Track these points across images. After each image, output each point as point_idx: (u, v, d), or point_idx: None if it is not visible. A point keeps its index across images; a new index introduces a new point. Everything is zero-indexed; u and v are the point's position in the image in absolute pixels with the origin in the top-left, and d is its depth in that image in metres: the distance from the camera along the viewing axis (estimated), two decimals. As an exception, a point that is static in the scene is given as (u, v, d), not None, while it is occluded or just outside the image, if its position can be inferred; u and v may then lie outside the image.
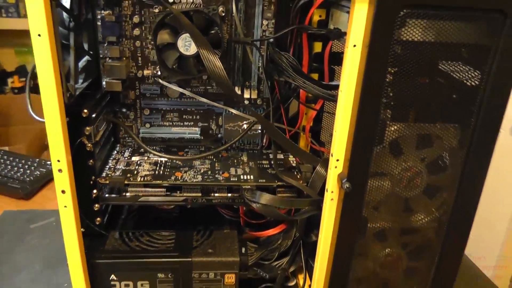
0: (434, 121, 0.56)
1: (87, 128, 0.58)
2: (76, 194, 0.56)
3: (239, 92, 0.70)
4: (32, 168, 1.05)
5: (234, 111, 0.67)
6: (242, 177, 0.65)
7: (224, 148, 0.71)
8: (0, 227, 0.92)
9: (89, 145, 0.58)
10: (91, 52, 0.63)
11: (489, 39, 0.52)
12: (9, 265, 0.81)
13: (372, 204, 0.58)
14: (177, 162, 0.68)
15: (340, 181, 0.55)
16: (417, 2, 0.49)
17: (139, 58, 0.68)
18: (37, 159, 1.09)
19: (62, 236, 0.88)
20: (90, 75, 0.63)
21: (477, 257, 0.90)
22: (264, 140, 0.74)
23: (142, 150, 0.71)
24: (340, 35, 0.61)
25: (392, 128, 0.55)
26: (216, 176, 0.65)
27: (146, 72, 0.68)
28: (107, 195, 0.63)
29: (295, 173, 0.67)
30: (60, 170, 0.53)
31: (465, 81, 0.54)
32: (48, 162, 1.08)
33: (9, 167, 1.04)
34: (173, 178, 0.63)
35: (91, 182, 0.61)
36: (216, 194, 0.64)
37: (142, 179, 0.63)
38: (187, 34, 0.59)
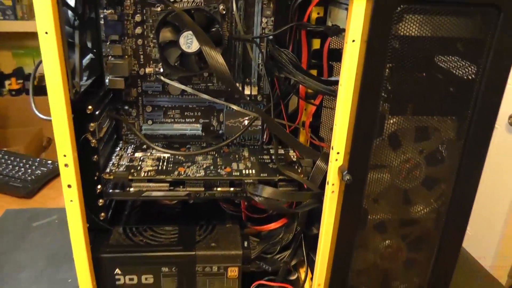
0: (432, 114, 0.57)
1: (92, 124, 0.59)
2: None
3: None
4: (33, 167, 1.06)
5: (235, 107, 0.68)
6: (244, 171, 0.66)
7: (226, 144, 0.72)
8: (2, 225, 0.92)
9: (93, 141, 0.59)
10: (94, 50, 0.64)
11: (484, 33, 0.53)
12: (12, 263, 0.81)
13: (372, 196, 0.59)
14: (179, 157, 0.69)
15: (341, 174, 0.56)
16: (413, -2, 0.50)
17: (141, 56, 0.69)
18: (38, 159, 1.10)
19: (65, 234, 0.89)
20: (93, 72, 0.64)
21: (477, 257, 0.91)
22: (265, 136, 0.76)
23: (144, 146, 0.72)
24: (339, 31, 0.63)
25: (391, 121, 0.56)
26: (219, 171, 0.66)
27: (148, 70, 0.70)
28: (111, 191, 0.64)
29: (296, 167, 0.69)
30: (66, 165, 0.54)
31: (461, 75, 0.56)
32: (49, 162, 1.09)
33: (10, 166, 1.05)
34: (176, 173, 0.65)
35: (95, 178, 0.62)
36: (219, 189, 0.65)
37: (145, 174, 0.64)
38: (189, 32, 0.60)
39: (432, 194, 0.61)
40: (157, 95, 0.71)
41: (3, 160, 1.07)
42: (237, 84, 0.71)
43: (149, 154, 0.70)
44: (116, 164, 0.66)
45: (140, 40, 0.68)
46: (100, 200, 0.64)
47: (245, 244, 0.69)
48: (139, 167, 0.65)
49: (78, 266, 0.61)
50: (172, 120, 0.73)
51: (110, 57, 0.67)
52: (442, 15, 0.52)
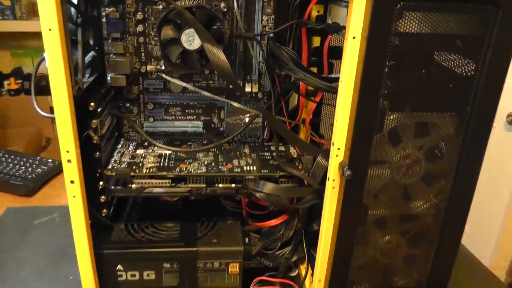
0: (431, 110, 0.58)
1: (94, 121, 0.59)
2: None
3: (240, 87, 0.72)
4: (34, 166, 1.06)
5: (236, 104, 0.68)
6: (245, 168, 0.67)
7: (227, 140, 0.73)
8: (3, 223, 0.93)
9: (95, 137, 0.60)
10: (96, 48, 0.65)
11: (482, 30, 0.54)
12: (14, 260, 0.82)
13: (373, 192, 0.60)
14: (181, 154, 0.69)
15: (342, 169, 0.56)
16: (413, -5, 0.51)
17: (143, 54, 0.69)
18: (38, 157, 1.10)
19: (66, 232, 0.89)
20: (95, 70, 0.64)
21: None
22: (265, 133, 0.76)
23: (146, 143, 0.72)
24: (339, 29, 0.63)
25: (391, 117, 0.56)
26: (220, 167, 0.66)
27: (149, 67, 0.70)
28: (113, 187, 0.64)
29: (297, 164, 0.69)
30: (69, 161, 0.54)
31: (460, 71, 0.56)
32: (49, 160, 1.09)
33: (11, 165, 1.06)
34: (177, 169, 0.65)
35: (97, 175, 0.63)
36: (220, 185, 0.66)
37: (147, 171, 0.64)
38: (191, 30, 0.61)
39: (431, 190, 0.61)
40: (158, 92, 0.72)
41: (3, 158, 1.08)
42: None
43: (150, 151, 0.70)
44: (118, 161, 0.66)
45: (141, 38, 0.68)
46: (102, 197, 0.64)
47: (246, 240, 0.69)
48: (140, 164, 0.66)
49: (80, 262, 0.62)
50: (173, 117, 0.74)
51: (111, 54, 0.68)
52: (441, 12, 0.53)
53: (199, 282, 0.68)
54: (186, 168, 0.66)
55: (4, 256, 0.82)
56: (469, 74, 0.56)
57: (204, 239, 0.68)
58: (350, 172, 0.55)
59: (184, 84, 0.69)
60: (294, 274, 0.76)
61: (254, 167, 0.67)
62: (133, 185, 0.64)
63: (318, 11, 0.71)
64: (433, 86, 0.56)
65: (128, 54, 0.68)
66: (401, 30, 0.53)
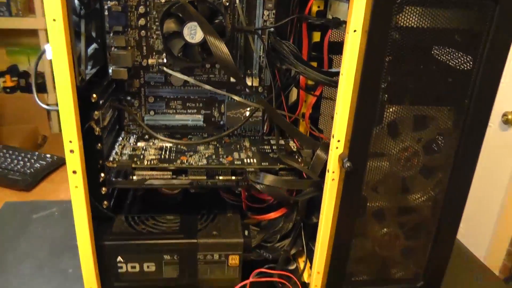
0: (430, 103, 0.58)
1: (96, 112, 0.59)
2: (85, 176, 0.58)
3: (241, 81, 0.73)
4: (32, 161, 1.06)
5: (237, 98, 0.69)
6: (245, 160, 0.67)
7: (228, 133, 0.74)
8: (2, 218, 0.93)
9: (97, 129, 0.60)
10: (99, 41, 0.65)
11: (481, 26, 0.55)
12: (14, 254, 0.82)
13: (371, 184, 0.61)
14: (181, 147, 0.70)
15: (341, 161, 0.57)
16: (413, -11, 0.52)
17: (144, 48, 0.70)
18: (36, 153, 1.10)
19: (65, 226, 0.90)
20: (97, 62, 0.65)
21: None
22: (265, 127, 0.77)
23: (147, 136, 0.73)
24: (339, 23, 0.64)
25: (390, 110, 0.57)
26: (220, 159, 0.67)
27: (150, 61, 0.71)
28: (114, 179, 0.65)
29: (296, 157, 0.70)
30: (71, 151, 0.55)
31: (458, 66, 0.57)
32: (48, 155, 1.09)
33: (9, 160, 1.06)
34: (178, 162, 0.66)
35: (99, 166, 0.63)
36: (221, 177, 0.66)
37: (148, 163, 0.65)
38: (193, 23, 0.62)
39: (429, 182, 0.62)
40: (160, 86, 0.72)
41: (2, 153, 1.08)
42: (239, 76, 0.72)
43: (151, 143, 0.71)
44: (119, 153, 0.67)
45: (143, 31, 0.69)
46: (103, 188, 0.64)
47: (246, 233, 0.70)
48: (142, 156, 0.66)
49: (82, 252, 0.62)
50: (174, 111, 0.74)
51: (113, 48, 0.68)
52: (440, 7, 0.54)
53: (199, 274, 0.69)
54: (187, 160, 0.66)
55: (3, 250, 0.82)
56: (467, 68, 0.57)
57: (204, 231, 0.69)
58: (350, 164, 0.56)
59: (185, 78, 0.69)
60: (292, 267, 0.77)
61: (254, 160, 0.68)
62: (134, 177, 0.65)
63: (318, 7, 0.72)
64: (432, 80, 0.57)
65: (129, 48, 0.69)
66: (401, 24, 0.53)
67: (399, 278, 0.69)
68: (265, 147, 0.72)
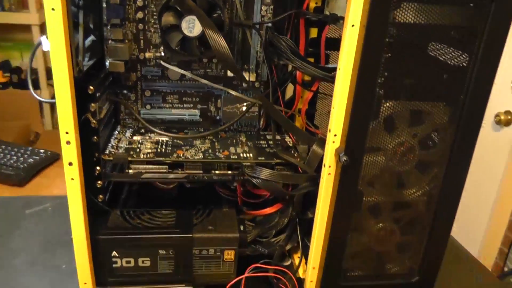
0: (426, 99, 0.59)
1: (92, 104, 0.59)
2: (81, 169, 0.57)
3: (239, 76, 0.73)
4: (25, 155, 1.05)
5: (233, 92, 0.69)
6: (241, 155, 0.67)
7: (225, 128, 0.74)
8: (-6, 213, 0.92)
9: (93, 121, 0.60)
10: (97, 33, 0.65)
11: (476, 22, 0.55)
12: (6, 249, 0.81)
13: (367, 179, 0.61)
14: (178, 141, 0.70)
15: (338, 156, 0.57)
16: (410, -15, 0.52)
17: (141, 41, 0.70)
18: (30, 148, 1.09)
19: (59, 221, 0.89)
20: (94, 54, 0.65)
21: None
22: (261, 122, 0.77)
23: (143, 130, 0.73)
24: (337, 19, 0.65)
25: (387, 105, 0.58)
26: (217, 154, 0.67)
27: (148, 54, 0.70)
28: (110, 172, 0.64)
29: (292, 152, 0.70)
30: (68, 142, 0.54)
31: (454, 62, 0.58)
32: (41, 151, 1.08)
33: (2, 154, 1.05)
34: (175, 155, 0.65)
35: (95, 159, 0.63)
36: (217, 171, 0.66)
37: (145, 156, 0.64)
38: (191, 17, 0.62)
39: (425, 177, 0.63)
40: (156, 80, 0.72)
41: (-6, 148, 1.07)
42: (236, 71, 0.72)
43: (147, 137, 0.71)
44: (115, 146, 0.67)
45: (141, 25, 0.69)
46: (99, 182, 0.64)
47: (241, 228, 0.70)
48: (138, 150, 0.66)
49: (76, 246, 0.61)
50: (171, 105, 0.74)
51: (110, 41, 0.68)
52: (437, 4, 0.54)
53: (194, 269, 0.68)
54: (183, 154, 0.66)
55: (-4, 244, 0.82)
56: (462, 65, 0.58)
57: (200, 226, 0.68)
58: (347, 158, 0.56)
59: (183, 72, 0.69)
60: (287, 263, 0.77)
61: (251, 154, 0.68)
62: (130, 171, 0.65)
63: (316, 3, 0.72)
64: (428, 76, 0.58)
65: (127, 41, 0.69)
66: (399, 20, 0.54)
67: (394, 273, 0.69)
68: (261, 142, 0.73)
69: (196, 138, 0.71)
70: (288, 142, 0.74)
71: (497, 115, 1.36)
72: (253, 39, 0.71)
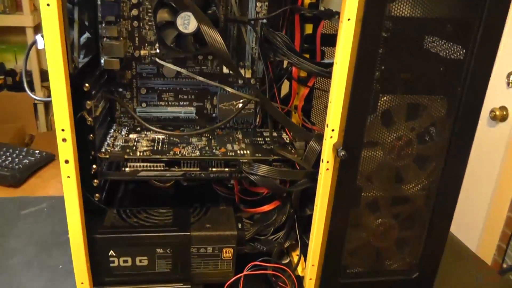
0: (423, 92, 0.59)
1: (88, 102, 0.59)
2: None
3: (234, 73, 0.72)
4: (21, 156, 1.05)
5: (229, 89, 0.69)
6: (238, 152, 0.67)
7: (221, 124, 0.73)
8: (-11, 214, 0.91)
9: (89, 119, 0.59)
10: (91, 30, 0.64)
11: (472, 14, 0.55)
12: (2, 249, 0.80)
13: (366, 174, 0.61)
14: (174, 139, 0.69)
15: (336, 151, 0.57)
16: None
17: (136, 38, 0.69)
18: (25, 148, 1.08)
19: (54, 221, 0.89)
20: (89, 52, 0.64)
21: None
22: (257, 119, 0.77)
23: (139, 128, 0.72)
24: (332, 14, 0.64)
25: (384, 99, 0.58)
26: (214, 151, 0.67)
27: (143, 52, 0.70)
28: (106, 170, 0.64)
29: (290, 148, 0.70)
30: (64, 140, 0.54)
31: (451, 55, 0.58)
32: (37, 152, 1.08)
33: (-3, 156, 1.04)
34: (171, 153, 0.65)
35: (91, 157, 0.62)
36: (214, 169, 0.66)
37: (141, 154, 0.64)
38: (186, 13, 0.61)
39: (423, 172, 0.63)
40: (152, 77, 0.72)
41: (-11, 150, 1.06)
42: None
43: (143, 135, 0.70)
44: (111, 145, 0.66)
45: (135, 22, 0.68)
46: (95, 180, 0.63)
47: (239, 226, 0.69)
48: (134, 148, 0.66)
49: (73, 246, 0.61)
50: (166, 103, 0.74)
51: (105, 38, 0.67)
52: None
53: (192, 268, 0.68)
54: (179, 151, 0.66)
55: (-8, 245, 0.81)
56: (459, 57, 0.57)
57: (197, 224, 0.68)
58: (345, 153, 0.56)
59: (178, 69, 0.69)
60: (286, 261, 0.77)
61: (248, 151, 0.67)
62: (127, 169, 0.64)
63: (311, -1, 0.72)
64: (425, 69, 0.58)
65: (122, 38, 0.68)
66: (395, 13, 0.54)
67: (394, 270, 0.69)
68: (258, 139, 0.72)
69: (192, 136, 0.71)
70: (285, 139, 0.73)
71: (492, 111, 1.36)
72: (248, 35, 0.71)
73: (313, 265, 0.66)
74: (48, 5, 0.48)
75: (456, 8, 0.57)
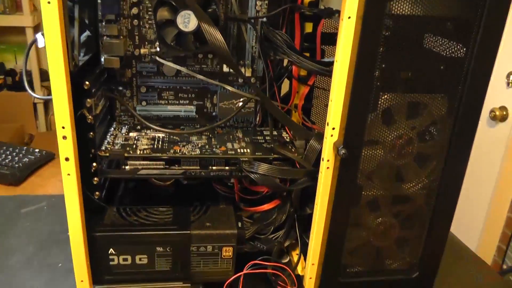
0: (424, 91, 0.59)
1: (88, 100, 0.59)
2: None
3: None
4: (20, 155, 1.05)
5: (230, 88, 0.69)
6: (239, 150, 0.67)
7: (222, 123, 0.73)
8: (-11, 212, 0.91)
9: (89, 117, 0.59)
10: (92, 28, 0.64)
11: (473, 13, 0.55)
12: (2, 248, 0.80)
13: (366, 172, 0.61)
14: (174, 137, 0.69)
15: (336, 149, 0.57)
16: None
17: (136, 37, 0.69)
18: (25, 147, 1.08)
19: (54, 220, 0.89)
20: (89, 50, 0.64)
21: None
22: (257, 118, 0.77)
23: (139, 127, 0.72)
24: (332, 13, 0.64)
25: (385, 97, 0.58)
26: (214, 149, 0.67)
27: (143, 50, 0.70)
28: (106, 169, 0.64)
29: (290, 147, 0.70)
30: (64, 137, 0.54)
31: (451, 53, 0.58)
32: (36, 150, 1.08)
33: (-3, 154, 1.04)
34: (171, 151, 0.65)
35: (91, 155, 0.62)
36: (214, 167, 0.66)
37: (141, 152, 0.64)
38: (186, 11, 0.61)
39: (423, 171, 0.63)
40: (152, 76, 0.72)
41: (-11, 149, 1.06)
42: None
43: (143, 134, 0.70)
44: (111, 143, 0.66)
45: (135, 20, 0.68)
46: (95, 178, 0.63)
47: (239, 224, 0.69)
48: (134, 146, 0.66)
49: (73, 244, 0.61)
50: (166, 101, 0.74)
51: (105, 37, 0.67)
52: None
53: (192, 266, 0.68)
54: (180, 150, 0.66)
55: (-9, 244, 0.81)
56: (460, 55, 0.58)
57: (197, 223, 0.68)
58: (345, 151, 0.56)
59: (178, 67, 0.69)
60: (286, 260, 0.77)
61: (248, 150, 0.67)
62: (127, 167, 0.64)
63: (310, -2, 0.72)
64: (425, 67, 0.58)
65: (122, 37, 0.68)
66: (395, 11, 0.54)
67: (394, 269, 0.69)
68: (258, 138, 0.72)
69: (192, 134, 0.71)
70: (285, 138, 0.73)
71: (492, 111, 1.36)
72: (248, 34, 0.71)
73: (313, 264, 0.66)
74: (48, 2, 0.48)
75: (456, 7, 0.57)
